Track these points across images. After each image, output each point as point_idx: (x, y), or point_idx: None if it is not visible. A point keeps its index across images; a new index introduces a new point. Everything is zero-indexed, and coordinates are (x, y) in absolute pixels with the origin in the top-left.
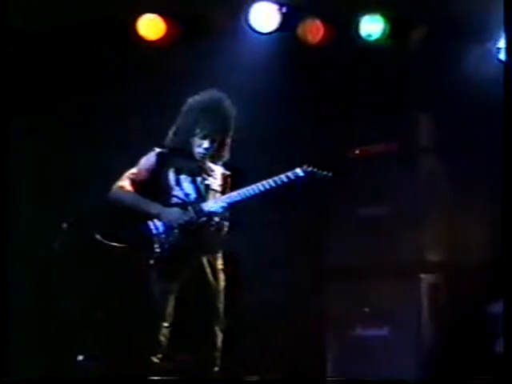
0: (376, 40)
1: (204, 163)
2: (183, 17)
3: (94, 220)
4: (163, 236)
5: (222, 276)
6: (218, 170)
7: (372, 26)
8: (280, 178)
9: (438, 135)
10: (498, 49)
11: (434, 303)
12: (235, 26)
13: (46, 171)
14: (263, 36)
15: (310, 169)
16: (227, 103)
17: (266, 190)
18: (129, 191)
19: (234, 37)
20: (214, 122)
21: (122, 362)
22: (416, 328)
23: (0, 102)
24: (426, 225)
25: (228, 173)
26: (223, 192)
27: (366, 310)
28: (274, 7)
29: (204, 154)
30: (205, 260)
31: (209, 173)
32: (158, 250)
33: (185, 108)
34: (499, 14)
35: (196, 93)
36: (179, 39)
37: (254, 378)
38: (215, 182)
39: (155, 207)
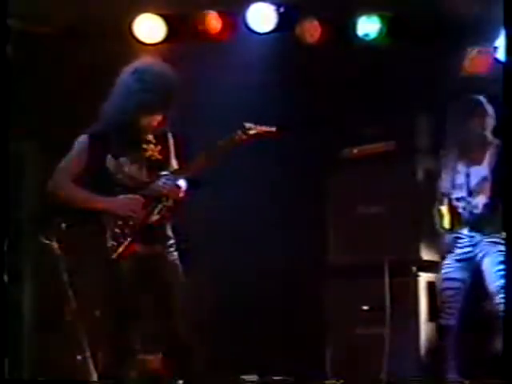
0: (373, 40)
1: (143, 135)
2: (180, 17)
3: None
4: (117, 230)
5: (178, 266)
6: (156, 133)
7: (369, 26)
8: (222, 142)
9: (435, 135)
10: (495, 48)
11: (432, 301)
12: (233, 26)
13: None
14: (261, 36)
15: (249, 127)
16: (168, 73)
17: (213, 159)
18: (69, 187)
19: (232, 37)
20: (158, 96)
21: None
22: (414, 326)
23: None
24: (423, 223)
25: (165, 129)
26: (167, 157)
27: (365, 308)
28: (272, 7)
29: (143, 131)
30: (158, 250)
31: (147, 140)
32: (114, 244)
33: (123, 82)
34: (496, 13)
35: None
36: (177, 40)
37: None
38: (156, 148)
39: (101, 202)
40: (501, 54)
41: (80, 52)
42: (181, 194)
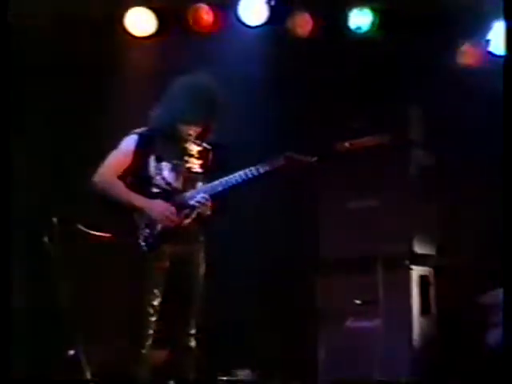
0: (365, 33)
1: (186, 145)
2: (172, 11)
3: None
4: (147, 230)
5: (203, 267)
6: (200, 148)
7: (361, 19)
8: (262, 166)
9: (428, 127)
10: (488, 41)
11: (425, 295)
12: (224, 19)
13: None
14: (252, 29)
15: (291, 155)
16: (214, 87)
17: (249, 178)
18: (112, 181)
19: (223, 30)
20: (199, 108)
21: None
22: (407, 319)
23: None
24: (417, 217)
25: (209, 147)
26: (206, 171)
27: (357, 302)
28: (263, 0)
29: (187, 139)
30: (186, 250)
31: (190, 153)
32: (143, 244)
33: (171, 91)
34: (489, 6)
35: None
36: (168, 34)
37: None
38: (197, 162)
39: (140, 200)
40: (493, 47)
41: (70, 45)
42: (209, 212)
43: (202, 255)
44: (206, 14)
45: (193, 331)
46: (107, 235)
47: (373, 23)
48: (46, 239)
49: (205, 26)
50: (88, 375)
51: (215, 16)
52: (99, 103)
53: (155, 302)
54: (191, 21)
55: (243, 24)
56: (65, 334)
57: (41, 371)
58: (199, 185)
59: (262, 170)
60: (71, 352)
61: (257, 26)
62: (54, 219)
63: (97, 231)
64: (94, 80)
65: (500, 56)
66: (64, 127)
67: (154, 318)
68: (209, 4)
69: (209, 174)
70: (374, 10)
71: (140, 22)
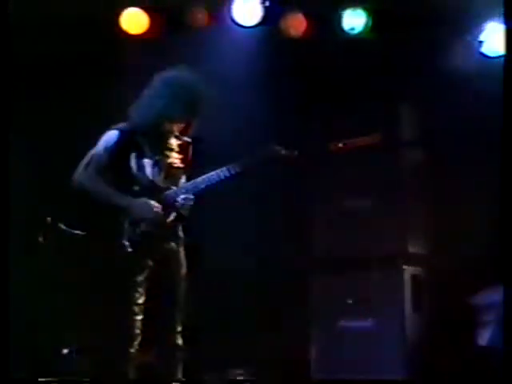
0: (359, 33)
1: (167, 141)
2: (167, 11)
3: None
4: (131, 230)
5: (185, 264)
6: (180, 142)
7: (354, 20)
8: (245, 161)
9: (421, 127)
10: (480, 42)
11: (417, 294)
12: (219, 19)
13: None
14: (246, 30)
15: (274, 148)
16: (197, 83)
17: (232, 175)
18: (94, 179)
19: (218, 31)
20: (182, 104)
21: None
22: (399, 319)
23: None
24: (409, 217)
25: (189, 140)
26: (187, 165)
27: (349, 301)
28: (257, 1)
29: (169, 135)
30: (169, 249)
31: (170, 148)
32: (127, 243)
33: (153, 87)
34: (482, 7)
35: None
36: (163, 33)
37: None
38: (178, 156)
39: (124, 199)
40: (486, 48)
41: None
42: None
43: (183, 253)
44: (201, 14)
45: (179, 329)
46: (88, 233)
47: (366, 24)
48: (40, 239)
49: (199, 26)
50: (81, 374)
51: (209, 16)
52: (98, 102)
53: (140, 301)
54: (186, 21)
55: (237, 24)
56: (59, 334)
57: (40, 371)
58: (182, 181)
59: (246, 165)
60: (65, 351)
61: (251, 27)
62: (48, 219)
63: (81, 230)
64: (94, 79)
65: (492, 57)
66: (63, 127)
67: (139, 317)
68: (203, 4)
69: (190, 168)
70: (367, 10)
71: (135, 22)
